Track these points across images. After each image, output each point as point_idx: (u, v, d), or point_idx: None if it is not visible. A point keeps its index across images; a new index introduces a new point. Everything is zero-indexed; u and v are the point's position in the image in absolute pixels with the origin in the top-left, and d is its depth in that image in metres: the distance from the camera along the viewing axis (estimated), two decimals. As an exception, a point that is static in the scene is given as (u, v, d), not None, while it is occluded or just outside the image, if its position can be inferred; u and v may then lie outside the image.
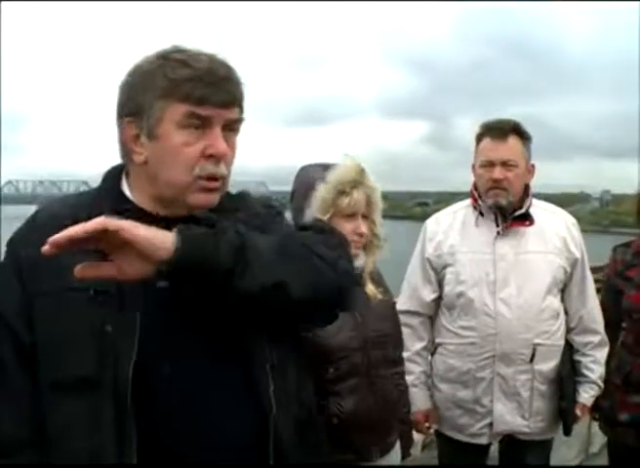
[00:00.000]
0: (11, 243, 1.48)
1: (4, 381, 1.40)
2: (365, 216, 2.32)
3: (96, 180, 1.58)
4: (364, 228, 2.30)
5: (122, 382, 1.33)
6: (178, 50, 1.42)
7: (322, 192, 2.25)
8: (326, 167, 2.32)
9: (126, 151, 1.46)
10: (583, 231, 3.11)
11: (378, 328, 2.37)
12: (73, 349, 1.35)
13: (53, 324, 1.36)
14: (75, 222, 1.18)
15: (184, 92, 1.37)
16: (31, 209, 1.57)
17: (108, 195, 1.49)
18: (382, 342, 2.38)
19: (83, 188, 1.81)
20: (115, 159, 1.55)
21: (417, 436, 3.34)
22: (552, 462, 4.30)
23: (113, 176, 1.53)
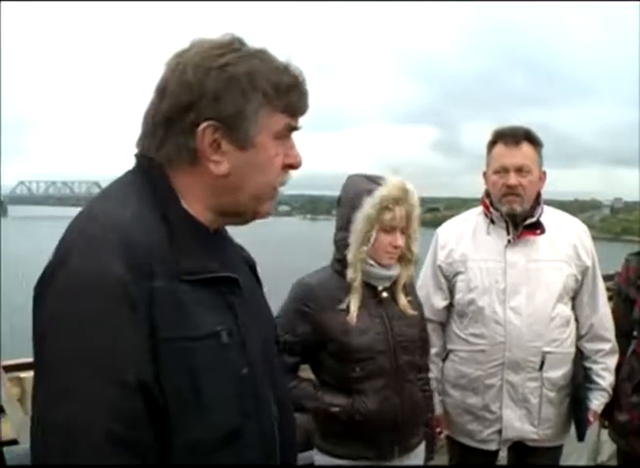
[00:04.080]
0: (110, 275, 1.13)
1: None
2: (403, 231, 2.44)
3: (107, 181, 1.37)
4: (400, 242, 2.43)
5: (268, 427, 1.31)
6: (262, 50, 1.31)
7: (368, 207, 2.37)
8: (373, 179, 2.43)
9: (193, 157, 1.27)
10: (595, 239, 3.11)
11: (405, 333, 2.49)
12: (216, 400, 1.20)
13: (187, 376, 1.17)
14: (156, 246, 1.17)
15: (288, 102, 1.30)
16: (43, 209, 1.45)
17: (164, 204, 1.27)
18: (410, 348, 2.50)
19: (94, 189, 1.70)
20: (125, 160, 1.38)
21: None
22: (568, 466, 4.30)
23: (160, 181, 1.29)
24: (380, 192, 2.35)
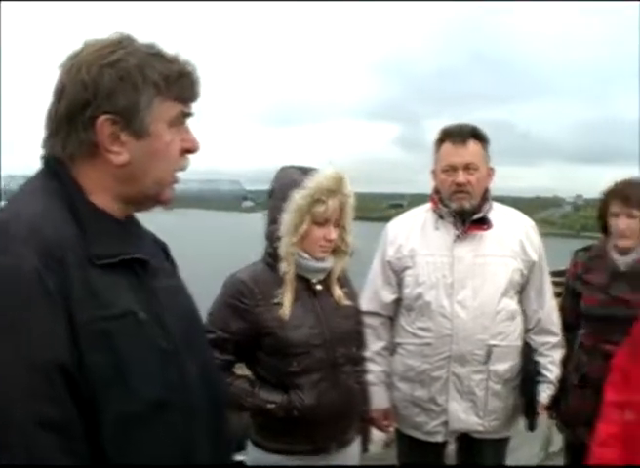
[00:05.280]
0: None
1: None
2: (337, 223, 2.42)
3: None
4: (334, 235, 2.41)
5: (196, 400, 1.37)
6: (150, 44, 1.39)
7: (299, 198, 2.33)
8: (305, 170, 2.39)
9: (94, 151, 1.34)
10: (556, 235, 3.17)
11: (340, 326, 2.47)
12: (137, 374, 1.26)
13: (108, 354, 1.23)
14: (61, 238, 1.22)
15: (179, 90, 1.37)
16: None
17: (71, 199, 1.34)
18: (345, 340, 2.48)
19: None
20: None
21: (379, 434, 3.40)
22: (514, 461, 4.38)
23: (66, 178, 1.36)
24: (312, 184, 2.32)
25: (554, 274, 3.50)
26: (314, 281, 2.47)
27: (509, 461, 4.26)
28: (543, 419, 3.45)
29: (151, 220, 1.56)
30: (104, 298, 1.24)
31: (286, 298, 2.38)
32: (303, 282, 2.45)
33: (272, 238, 2.42)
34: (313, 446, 2.43)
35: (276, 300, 2.38)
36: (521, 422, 3.16)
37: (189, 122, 1.44)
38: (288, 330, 2.36)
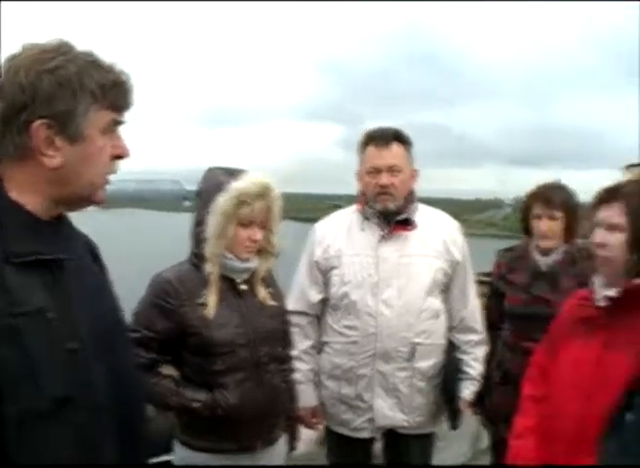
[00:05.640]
0: None
1: None
2: (263, 225, 2.46)
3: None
4: (259, 236, 2.45)
5: (102, 399, 1.40)
6: (88, 53, 1.43)
7: (224, 201, 2.36)
8: (231, 172, 2.43)
9: (27, 153, 1.37)
10: (497, 236, 3.25)
11: (265, 326, 2.51)
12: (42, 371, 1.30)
13: (15, 349, 1.27)
14: None
15: (113, 99, 1.43)
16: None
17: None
18: (270, 339, 2.52)
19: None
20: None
21: (309, 432, 3.44)
22: (443, 458, 4.47)
23: None
24: (237, 186, 2.36)
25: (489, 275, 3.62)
26: (239, 281, 2.50)
27: (439, 459, 4.36)
28: (469, 416, 3.54)
29: (89, 221, 1.60)
30: (17, 296, 1.28)
31: (210, 298, 2.41)
32: (228, 282, 2.48)
33: (198, 239, 2.44)
34: (239, 444, 2.46)
35: (201, 300, 2.41)
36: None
37: (121, 129, 1.51)
38: (212, 329, 2.39)
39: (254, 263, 2.51)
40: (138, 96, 1.49)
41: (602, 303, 2.13)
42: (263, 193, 2.41)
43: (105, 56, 1.45)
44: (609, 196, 2.15)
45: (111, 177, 1.51)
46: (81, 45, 1.43)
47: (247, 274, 2.51)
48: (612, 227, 2.10)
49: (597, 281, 2.20)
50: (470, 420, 3.68)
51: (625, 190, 2.12)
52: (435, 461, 3.89)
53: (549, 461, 2.17)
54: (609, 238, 2.11)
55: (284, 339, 2.67)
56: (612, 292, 2.09)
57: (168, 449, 2.60)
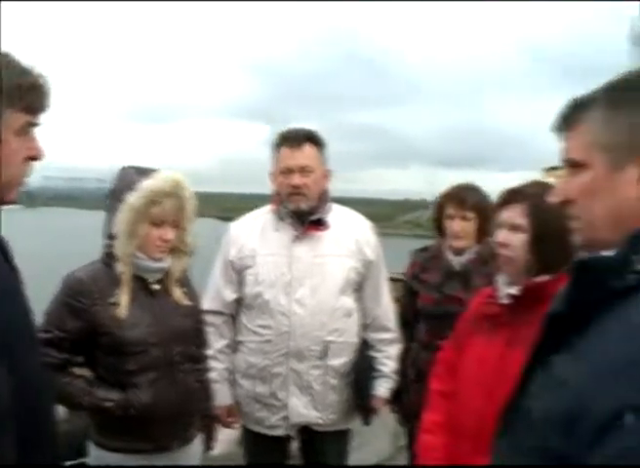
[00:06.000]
0: None
1: None
2: (175, 224, 2.46)
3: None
4: (170, 235, 2.45)
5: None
6: (5, 54, 1.43)
7: (134, 200, 2.36)
8: (143, 171, 2.43)
9: None
10: (422, 236, 3.30)
11: (179, 325, 2.51)
12: None
13: None
14: None
15: (28, 102, 1.44)
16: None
17: None
18: (183, 339, 2.52)
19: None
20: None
21: (231, 432, 3.45)
22: (363, 455, 4.52)
23: None
24: (148, 185, 2.36)
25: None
26: (151, 281, 2.50)
27: (359, 456, 4.41)
28: (391, 414, 3.59)
29: (12, 219, 1.59)
30: None
31: (122, 298, 2.40)
32: (141, 282, 2.48)
33: (110, 238, 2.43)
34: (153, 444, 2.45)
35: (113, 300, 2.40)
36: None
37: (49, 127, 1.57)
38: (124, 329, 2.38)
39: (166, 263, 2.51)
40: (65, 92, 1.49)
41: (505, 301, 2.20)
42: (175, 191, 2.41)
43: (32, 53, 1.44)
44: (511, 197, 2.23)
45: (39, 176, 1.53)
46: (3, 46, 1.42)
47: (159, 274, 2.51)
48: (514, 228, 2.17)
49: (500, 279, 2.27)
50: (389, 418, 3.73)
51: (527, 192, 2.20)
52: (355, 459, 3.94)
53: (456, 457, 2.22)
54: (511, 238, 2.18)
55: (198, 339, 2.68)
56: (513, 290, 2.16)
57: (82, 451, 2.57)
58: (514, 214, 2.18)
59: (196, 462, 2.67)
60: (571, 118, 1.23)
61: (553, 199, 1.27)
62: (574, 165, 1.21)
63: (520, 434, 1.16)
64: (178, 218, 2.46)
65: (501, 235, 2.21)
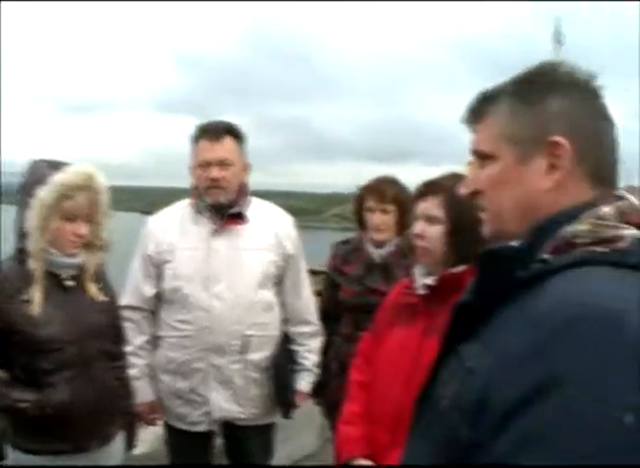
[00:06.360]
0: None
1: None
2: (88, 218, 2.40)
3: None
4: (84, 230, 2.40)
5: None
6: None
7: (45, 194, 2.30)
8: (54, 165, 2.37)
9: None
10: (350, 229, 3.31)
11: (95, 322, 2.46)
12: None
13: None
14: None
15: None
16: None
17: None
18: (100, 335, 2.48)
19: None
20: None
21: (155, 430, 3.41)
22: (291, 448, 4.53)
23: None
24: (59, 179, 2.31)
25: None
26: (64, 277, 2.44)
27: (287, 449, 4.42)
28: (317, 406, 3.60)
29: None
30: None
31: (35, 295, 2.35)
32: (54, 278, 2.42)
33: (21, 234, 2.37)
34: (72, 444, 2.41)
35: (25, 297, 2.34)
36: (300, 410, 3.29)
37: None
38: (37, 327, 2.32)
39: (80, 258, 2.46)
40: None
41: (421, 291, 2.23)
42: (87, 185, 2.36)
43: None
44: (428, 189, 2.25)
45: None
46: None
47: (73, 270, 2.46)
48: (430, 219, 2.20)
49: (417, 270, 2.30)
50: (315, 411, 3.74)
51: (443, 184, 2.23)
52: (282, 452, 3.95)
53: (374, 446, 2.24)
54: (427, 230, 2.21)
55: (116, 335, 2.63)
56: (429, 281, 2.19)
57: (2, 454, 2.50)
58: (431, 206, 2.21)
59: (117, 462, 2.63)
60: (479, 110, 1.24)
61: (463, 190, 1.28)
62: (482, 156, 1.22)
63: (431, 423, 1.17)
64: (91, 213, 2.41)
65: (418, 227, 2.24)
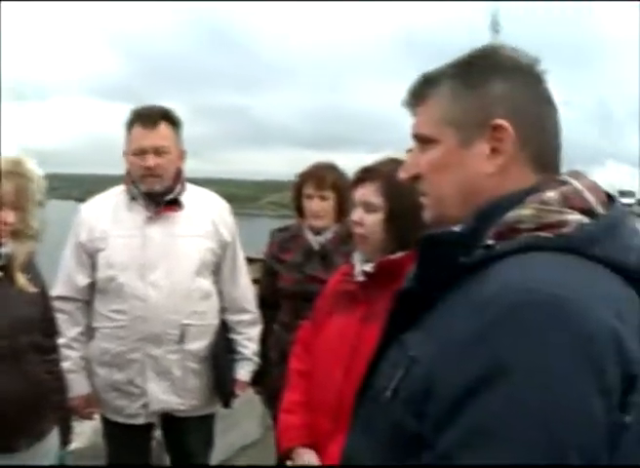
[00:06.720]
0: None
1: None
2: (15, 206, 2.30)
3: None
4: (11, 218, 2.29)
5: None
6: None
7: None
8: None
9: None
10: (290, 217, 3.27)
11: (24, 314, 2.36)
12: None
13: None
14: None
15: None
16: None
17: None
18: (30, 328, 2.38)
19: None
20: None
21: (93, 423, 3.33)
22: (233, 438, 4.50)
23: None
24: None
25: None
26: None
27: (229, 438, 4.39)
28: (248, 394, 3.57)
29: None
30: None
31: None
32: None
33: None
34: (1, 443, 2.29)
35: None
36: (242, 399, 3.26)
37: None
38: None
39: (8, 248, 2.35)
40: None
41: (360, 278, 2.21)
42: (13, 172, 2.27)
43: None
44: (365, 176, 2.23)
45: None
46: None
47: (0, 260, 2.35)
48: (368, 206, 2.18)
49: (356, 256, 2.28)
50: (256, 399, 3.72)
51: (380, 170, 2.20)
52: (224, 441, 3.92)
53: (315, 434, 2.22)
54: (366, 217, 2.18)
55: (47, 327, 2.54)
56: (368, 268, 2.17)
57: None
58: (368, 193, 2.18)
59: (51, 460, 2.54)
60: (420, 93, 1.21)
61: (403, 175, 1.26)
62: (423, 140, 1.19)
63: (372, 416, 1.15)
64: (19, 200, 2.31)
65: (356, 214, 2.21)
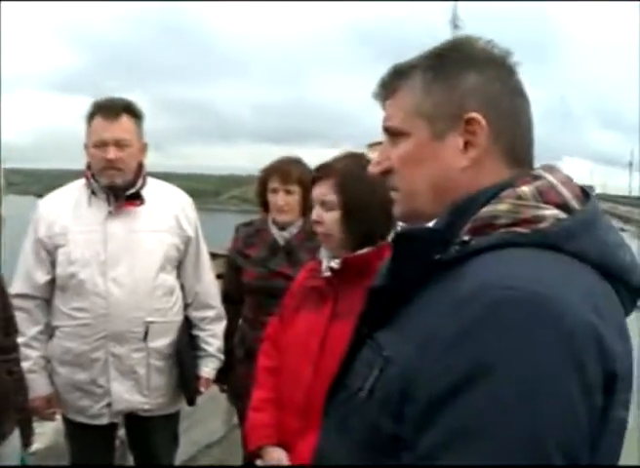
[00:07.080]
0: None
1: None
2: None
3: None
4: None
5: None
6: None
7: None
8: None
9: None
10: (251, 211, 3.21)
11: None
12: None
13: None
14: None
15: None
16: None
17: None
18: None
19: None
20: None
21: (51, 424, 3.26)
22: (197, 435, 4.46)
23: None
24: None
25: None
26: None
27: (193, 437, 4.35)
28: (213, 391, 3.53)
29: None
30: None
31: None
32: None
33: None
34: None
35: None
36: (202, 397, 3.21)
37: None
38: None
39: None
40: None
41: (327, 274, 2.19)
42: None
43: None
44: (321, 173, 2.20)
45: None
46: None
47: None
48: (325, 204, 2.15)
49: (323, 252, 2.26)
50: (221, 396, 3.68)
51: (335, 166, 2.17)
52: (188, 439, 3.88)
53: (284, 432, 2.20)
54: (324, 215, 2.16)
55: (7, 326, 2.48)
56: (334, 264, 2.15)
57: None
58: (324, 191, 2.16)
59: (14, 461, 2.48)
60: (390, 85, 1.17)
61: (372, 169, 1.22)
62: (394, 133, 1.16)
63: (347, 417, 1.12)
64: None
65: (315, 212, 2.19)
